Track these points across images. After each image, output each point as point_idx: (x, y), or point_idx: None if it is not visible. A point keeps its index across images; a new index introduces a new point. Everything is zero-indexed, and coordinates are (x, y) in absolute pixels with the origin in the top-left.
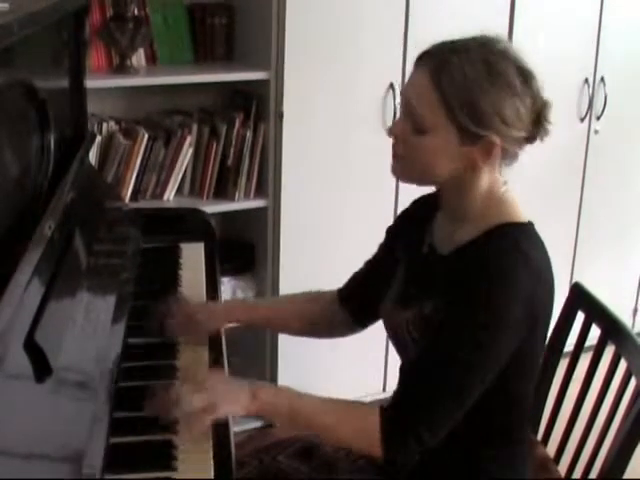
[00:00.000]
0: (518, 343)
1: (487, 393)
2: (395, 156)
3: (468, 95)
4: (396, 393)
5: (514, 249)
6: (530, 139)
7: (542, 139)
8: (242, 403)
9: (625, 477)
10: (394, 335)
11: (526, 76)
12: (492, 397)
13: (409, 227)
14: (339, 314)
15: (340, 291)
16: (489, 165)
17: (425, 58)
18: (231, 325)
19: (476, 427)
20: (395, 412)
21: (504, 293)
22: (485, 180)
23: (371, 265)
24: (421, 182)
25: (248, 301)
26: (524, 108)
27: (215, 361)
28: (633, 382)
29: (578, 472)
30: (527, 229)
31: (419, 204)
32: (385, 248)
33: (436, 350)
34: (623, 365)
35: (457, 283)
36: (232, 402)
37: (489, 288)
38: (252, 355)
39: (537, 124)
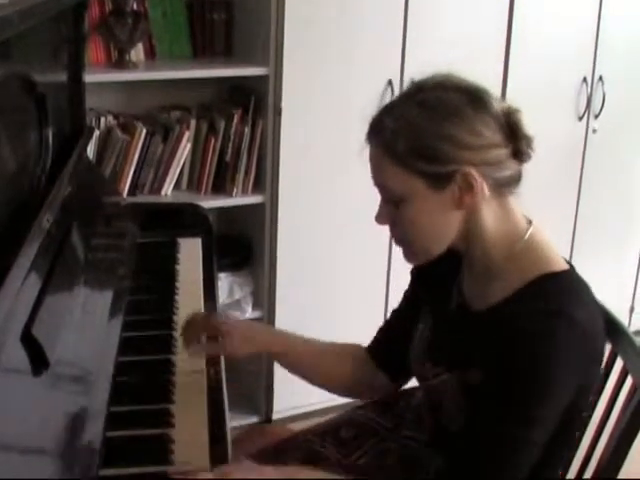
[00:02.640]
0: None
1: None
2: (397, 242)
3: (414, 142)
4: (445, 469)
5: (556, 312)
6: (518, 154)
7: (529, 148)
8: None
9: (620, 477)
10: (429, 395)
11: (475, 95)
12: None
13: (435, 274)
14: (376, 373)
15: (371, 349)
16: (483, 200)
17: (369, 136)
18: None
19: None
20: None
21: (549, 364)
22: (493, 220)
23: (401, 316)
24: (435, 252)
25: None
26: (486, 127)
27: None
28: (629, 381)
29: (573, 471)
30: (567, 280)
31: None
32: (413, 294)
33: (483, 427)
34: (619, 364)
35: (498, 351)
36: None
37: (532, 359)
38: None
39: (513, 135)
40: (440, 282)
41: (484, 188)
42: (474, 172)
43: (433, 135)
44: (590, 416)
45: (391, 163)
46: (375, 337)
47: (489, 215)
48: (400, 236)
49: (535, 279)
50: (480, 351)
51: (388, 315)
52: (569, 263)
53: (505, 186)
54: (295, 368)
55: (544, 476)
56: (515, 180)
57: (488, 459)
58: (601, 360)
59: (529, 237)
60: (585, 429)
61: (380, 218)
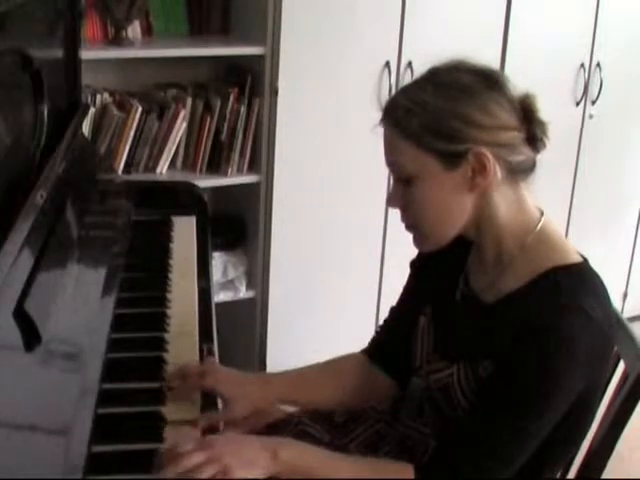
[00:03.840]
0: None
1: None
2: (408, 228)
3: (428, 119)
4: (436, 451)
5: (572, 306)
6: (532, 141)
7: (543, 135)
8: (261, 464)
9: (610, 461)
10: (433, 388)
11: (490, 77)
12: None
13: (436, 265)
14: (380, 377)
15: (371, 353)
16: (495, 184)
17: (383, 116)
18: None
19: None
20: (435, 474)
21: (561, 360)
22: (506, 207)
23: (402, 314)
24: (447, 237)
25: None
26: (500, 108)
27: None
28: (621, 366)
29: None
30: (582, 273)
31: None
32: (413, 289)
33: (489, 414)
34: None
35: (512, 343)
36: (249, 465)
37: (545, 354)
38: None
39: (528, 119)
40: (444, 274)
41: (497, 170)
42: (487, 152)
43: (446, 113)
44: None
45: (404, 141)
46: (375, 339)
47: (501, 201)
48: (411, 219)
49: (549, 271)
50: (491, 343)
51: (381, 298)
52: (582, 256)
53: (518, 172)
54: (299, 404)
55: (547, 473)
56: (528, 167)
57: (486, 445)
58: (611, 357)
59: (541, 228)
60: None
61: (392, 201)
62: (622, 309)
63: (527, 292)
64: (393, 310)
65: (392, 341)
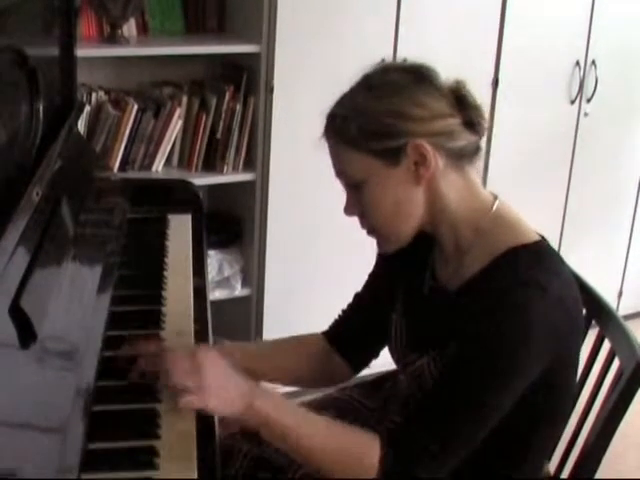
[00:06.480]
0: (541, 379)
1: (509, 434)
2: (369, 233)
3: (363, 122)
4: (401, 425)
5: (527, 281)
6: (470, 125)
7: (480, 118)
8: (234, 407)
9: (606, 459)
10: (412, 379)
11: (418, 72)
12: (516, 439)
13: (403, 258)
14: (335, 360)
15: (330, 335)
16: (440, 173)
17: (325, 129)
18: None
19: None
20: (396, 450)
21: (518, 334)
22: (456, 194)
23: (365, 301)
24: (406, 234)
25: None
26: (430, 98)
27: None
28: (616, 363)
29: (559, 451)
30: (538, 250)
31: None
32: (379, 279)
33: (447, 391)
34: (607, 346)
35: (469, 325)
36: (224, 402)
37: (501, 328)
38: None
39: (461, 105)
40: (411, 270)
41: (438, 159)
42: (425, 143)
43: (379, 112)
44: (576, 398)
45: (345, 148)
46: (335, 321)
47: (450, 189)
48: (369, 224)
49: (505, 252)
50: (455, 328)
51: None
52: (541, 235)
53: (461, 157)
54: (253, 373)
55: (529, 459)
56: (472, 152)
57: (447, 418)
58: (580, 329)
59: (496, 210)
60: (571, 411)
61: (348, 210)
62: (617, 307)
63: (486, 274)
64: (356, 296)
65: (351, 326)
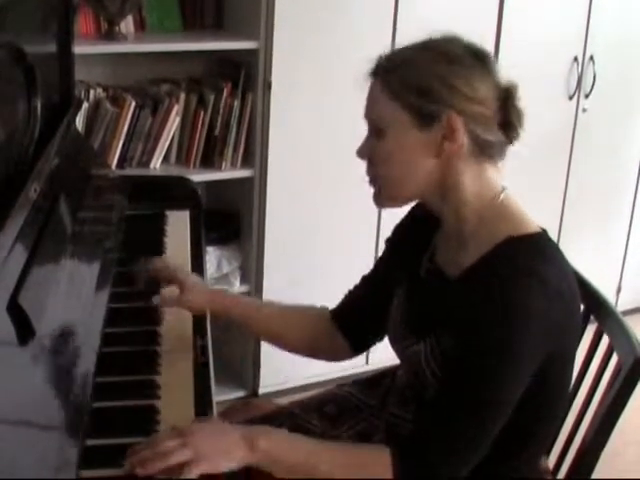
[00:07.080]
0: (537, 374)
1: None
2: (371, 181)
3: (409, 75)
4: (413, 432)
5: (526, 271)
6: (506, 126)
7: (518, 123)
8: (238, 454)
9: (604, 456)
10: (409, 366)
11: (480, 55)
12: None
13: (408, 242)
14: (337, 337)
15: (335, 313)
16: (461, 155)
17: (371, 70)
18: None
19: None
20: (410, 457)
21: (517, 326)
22: (469, 179)
23: (371, 284)
24: (405, 196)
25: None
26: (482, 84)
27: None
28: (615, 358)
29: (558, 447)
30: (538, 241)
31: (418, 217)
32: (386, 263)
33: (451, 390)
34: (605, 341)
35: (467, 315)
36: (225, 455)
37: (500, 321)
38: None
39: (506, 103)
40: (413, 251)
41: (465, 141)
42: (459, 120)
43: (429, 73)
44: (574, 394)
45: (383, 93)
46: (341, 301)
47: (466, 172)
48: (374, 173)
49: (505, 241)
50: (452, 317)
51: None
52: (541, 228)
53: (486, 150)
54: (250, 329)
55: (524, 454)
56: (496, 150)
57: (456, 420)
58: (578, 323)
59: (501, 202)
60: (569, 406)
61: (361, 152)
62: (616, 303)
63: (485, 263)
64: (364, 278)
65: (354, 308)
